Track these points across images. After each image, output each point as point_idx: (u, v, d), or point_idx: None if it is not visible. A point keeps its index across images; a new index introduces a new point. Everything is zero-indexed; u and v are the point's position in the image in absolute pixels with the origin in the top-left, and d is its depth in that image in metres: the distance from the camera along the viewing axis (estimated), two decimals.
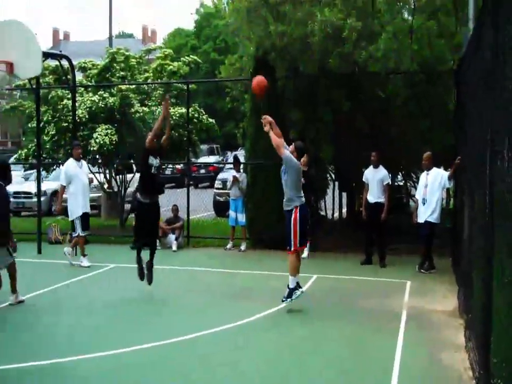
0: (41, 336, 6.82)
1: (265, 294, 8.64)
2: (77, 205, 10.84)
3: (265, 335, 6.87)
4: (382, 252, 10.68)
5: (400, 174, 13.93)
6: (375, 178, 10.69)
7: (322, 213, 13.53)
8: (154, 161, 8.54)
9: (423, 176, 10.32)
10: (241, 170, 12.59)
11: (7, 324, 7.37)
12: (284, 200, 7.77)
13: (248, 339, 6.73)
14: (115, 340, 6.65)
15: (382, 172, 10.72)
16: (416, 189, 11.32)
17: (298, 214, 7.59)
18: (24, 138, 51.94)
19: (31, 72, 11.34)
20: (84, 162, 11.39)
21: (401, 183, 14.33)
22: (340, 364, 5.90)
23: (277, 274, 9.63)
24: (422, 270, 10.03)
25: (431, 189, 9.98)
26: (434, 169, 10.11)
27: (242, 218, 12.29)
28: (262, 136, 12.13)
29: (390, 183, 10.84)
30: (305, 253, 11.23)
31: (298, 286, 7.74)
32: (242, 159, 13.26)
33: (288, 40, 11.81)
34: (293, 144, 7.87)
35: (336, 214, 14.07)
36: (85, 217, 10.88)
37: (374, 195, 10.71)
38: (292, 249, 7.62)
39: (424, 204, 10.04)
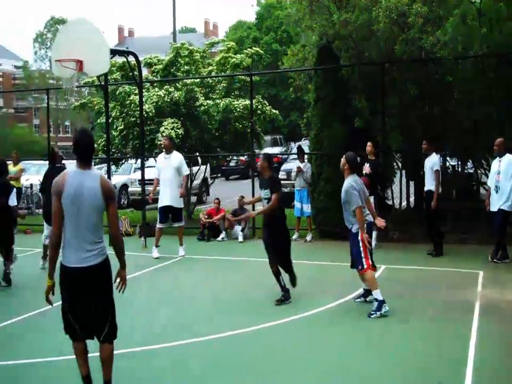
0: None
1: (333, 285, 8.61)
2: (160, 197, 10.99)
3: (334, 327, 6.83)
4: (434, 240, 10.45)
5: (471, 161, 13.53)
6: (427, 166, 10.47)
7: (389, 202, 13.33)
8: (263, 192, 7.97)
9: (495, 162, 9.97)
10: (306, 161, 12.54)
11: None
12: (349, 217, 7.27)
13: (317, 330, 6.72)
14: (183, 330, 6.77)
15: (432, 158, 10.45)
16: (487, 176, 10.97)
17: (364, 235, 7.18)
18: (93, 133, 53.69)
19: (100, 69, 11.64)
20: (174, 155, 11.07)
21: (472, 171, 13.92)
22: (412, 355, 5.80)
23: (343, 265, 9.54)
24: (495, 260, 9.73)
25: (505, 176, 9.64)
26: (507, 156, 9.75)
27: (307, 208, 12.25)
28: (326, 126, 12.14)
29: (439, 170, 10.46)
30: (372, 243, 11.12)
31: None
32: (306, 149, 13.21)
33: (352, 28, 11.66)
34: (344, 157, 7.34)
35: (404, 203, 13.83)
36: (166, 210, 10.92)
37: (427, 183, 10.51)
38: (365, 267, 7.18)
39: (497, 191, 9.71)
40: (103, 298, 4.67)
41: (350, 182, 7.19)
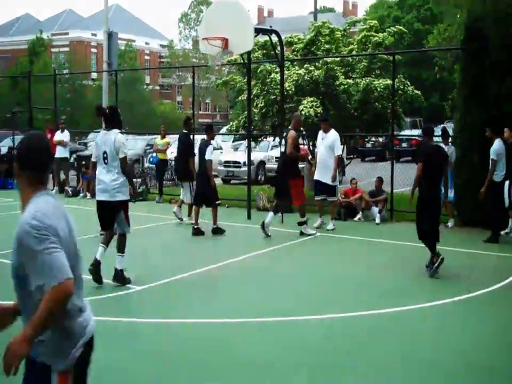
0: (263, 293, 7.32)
1: (473, 273, 8.31)
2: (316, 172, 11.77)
3: (474, 317, 6.64)
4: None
5: None
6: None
7: None
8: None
9: None
10: (450, 144, 12.09)
11: (222, 282, 8.02)
12: None
13: (457, 318, 6.56)
14: (319, 306, 6.90)
15: (493, 146, 10.10)
16: None
17: None
18: (231, 111, 55.29)
19: (244, 47, 11.99)
20: (330, 133, 11.54)
21: None
22: None
23: (485, 253, 9.27)
24: None
25: None
26: None
27: (450, 193, 11.80)
28: (472, 108, 11.60)
29: (495, 159, 10.00)
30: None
31: None
32: (450, 132, 12.73)
33: (504, 4, 11.01)
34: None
35: None
36: (318, 184, 11.65)
37: None
38: None
39: None
40: None
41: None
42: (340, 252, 9.92)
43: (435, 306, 6.79)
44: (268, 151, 20.12)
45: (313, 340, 5.79)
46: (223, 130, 28.82)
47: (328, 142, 11.46)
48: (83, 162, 17.49)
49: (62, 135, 17.50)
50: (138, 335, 5.94)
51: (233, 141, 25.81)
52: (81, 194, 16.70)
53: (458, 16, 12.67)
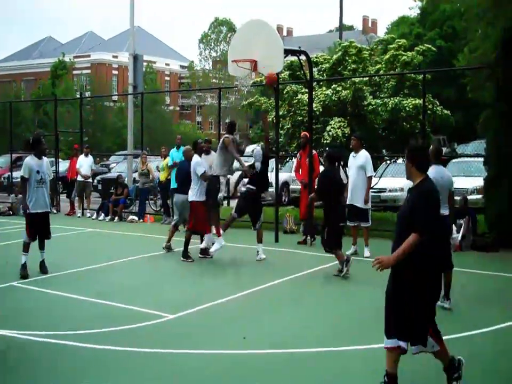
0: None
1: None
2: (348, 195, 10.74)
3: None
4: None
5: None
6: None
7: None
8: None
9: None
10: None
11: (250, 310, 7.76)
12: None
13: None
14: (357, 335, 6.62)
15: None
16: None
17: None
18: (250, 131, 55.24)
19: (274, 68, 11.83)
20: (360, 153, 10.83)
21: None
22: None
23: None
24: None
25: None
26: None
27: None
28: (509, 128, 11.30)
29: None
30: None
31: None
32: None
33: None
34: None
35: None
36: (351, 209, 10.64)
37: None
38: None
39: None
40: None
41: None
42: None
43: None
44: (292, 172, 19.88)
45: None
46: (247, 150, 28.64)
47: (360, 162, 10.73)
48: (112, 188, 17.59)
49: (86, 160, 17.51)
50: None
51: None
52: (108, 218, 16.62)
53: (487, 31, 12.33)
